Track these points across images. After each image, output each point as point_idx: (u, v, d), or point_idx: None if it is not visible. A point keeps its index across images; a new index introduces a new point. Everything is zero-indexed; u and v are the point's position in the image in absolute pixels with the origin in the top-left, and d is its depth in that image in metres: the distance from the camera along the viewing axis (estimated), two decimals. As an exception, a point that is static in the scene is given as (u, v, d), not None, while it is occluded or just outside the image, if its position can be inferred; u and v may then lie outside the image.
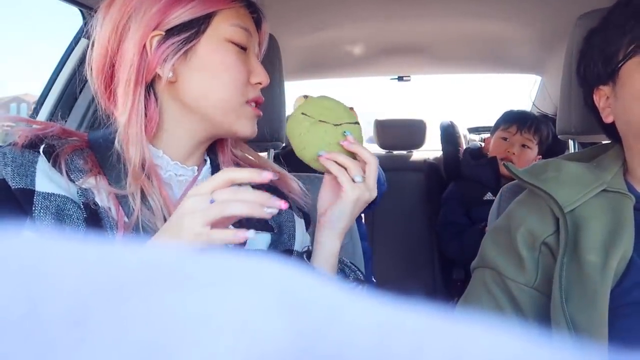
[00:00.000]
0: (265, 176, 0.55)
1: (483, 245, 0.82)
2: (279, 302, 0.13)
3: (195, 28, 0.66)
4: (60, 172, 0.62)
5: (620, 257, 0.65)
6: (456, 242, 1.88)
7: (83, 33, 1.32)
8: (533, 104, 2.20)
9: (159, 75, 0.67)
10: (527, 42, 1.79)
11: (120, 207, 0.62)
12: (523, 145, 1.82)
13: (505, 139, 1.85)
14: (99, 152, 0.67)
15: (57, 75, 1.32)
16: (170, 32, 0.66)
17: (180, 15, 0.66)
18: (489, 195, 1.85)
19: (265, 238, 0.73)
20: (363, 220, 1.93)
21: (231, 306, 0.12)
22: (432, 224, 2.13)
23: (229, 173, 0.55)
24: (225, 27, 0.68)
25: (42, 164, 0.62)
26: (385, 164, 1.91)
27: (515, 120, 1.85)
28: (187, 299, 0.12)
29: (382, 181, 1.85)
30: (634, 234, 0.67)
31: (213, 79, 0.67)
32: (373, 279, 1.78)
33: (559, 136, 1.07)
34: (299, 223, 0.79)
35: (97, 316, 0.12)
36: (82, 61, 1.30)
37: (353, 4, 1.48)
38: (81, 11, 1.28)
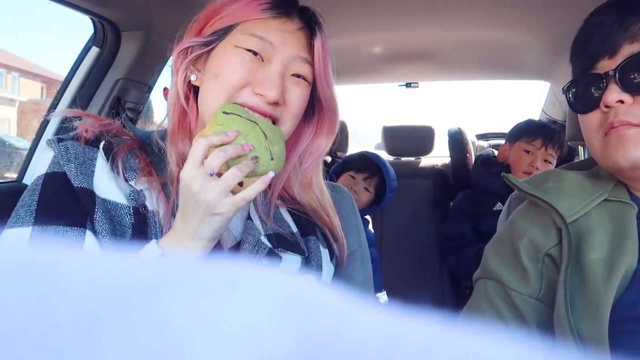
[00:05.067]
0: (232, 134, 0.59)
1: (485, 256, 0.81)
2: (288, 309, 0.13)
3: (215, 36, 0.68)
4: (117, 171, 0.64)
5: (624, 269, 0.64)
6: (453, 258, 1.86)
7: (94, 41, 1.33)
8: (542, 110, 2.18)
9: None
10: (535, 49, 1.78)
11: (168, 208, 0.64)
12: (545, 160, 1.77)
13: (528, 151, 1.78)
14: (148, 151, 0.69)
15: (70, 81, 1.33)
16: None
17: (211, 26, 0.69)
18: (498, 206, 1.81)
19: (296, 260, 0.72)
20: (370, 227, 1.93)
21: (241, 313, 0.12)
22: (440, 231, 2.12)
23: (204, 141, 0.58)
24: (238, 35, 0.67)
25: (101, 162, 0.64)
26: (394, 170, 1.90)
27: (540, 134, 1.78)
28: (197, 306, 0.12)
29: (393, 177, 1.85)
30: (638, 244, 0.66)
31: (212, 80, 0.67)
32: (382, 287, 1.78)
33: (568, 142, 1.07)
34: (324, 253, 0.77)
35: (107, 323, 0.12)
36: (93, 68, 1.33)
37: (361, 12, 1.49)
38: (92, 20, 1.29)
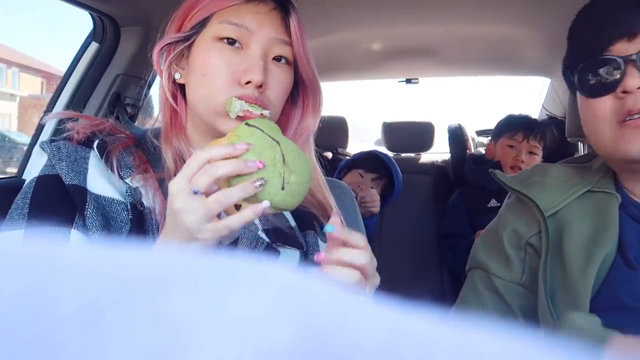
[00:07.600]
0: (240, 147, 0.53)
1: (474, 247, 0.84)
2: (287, 303, 0.13)
3: (193, 30, 0.68)
4: (112, 169, 0.64)
5: (602, 258, 0.64)
6: (450, 254, 1.88)
7: (93, 37, 1.33)
8: (543, 106, 2.18)
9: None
10: (536, 45, 1.78)
11: (164, 205, 0.63)
12: (530, 152, 1.80)
13: (511, 146, 1.82)
14: (144, 148, 0.70)
15: (69, 76, 1.33)
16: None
17: (189, 20, 0.69)
18: (493, 202, 1.82)
19: (295, 255, 0.72)
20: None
21: (239, 307, 0.12)
22: (440, 228, 2.12)
23: (202, 154, 0.53)
24: (215, 25, 0.67)
25: (94, 160, 0.64)
26: None
27: (521, 127, 1.81)
28: (196, 300, 0.12)
29: (401, 180, 1.85)
30: (618, 234, 0.66)
31: (200, 78, 0.67)
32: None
33: (568, 138, 1.07)
34: (323, 247, 0.76)
35: (108, 317, 0.12)
36: (92, 63, 1.33)
37: (361, 8, 1.48)
38: (91, 15, 1.29)
